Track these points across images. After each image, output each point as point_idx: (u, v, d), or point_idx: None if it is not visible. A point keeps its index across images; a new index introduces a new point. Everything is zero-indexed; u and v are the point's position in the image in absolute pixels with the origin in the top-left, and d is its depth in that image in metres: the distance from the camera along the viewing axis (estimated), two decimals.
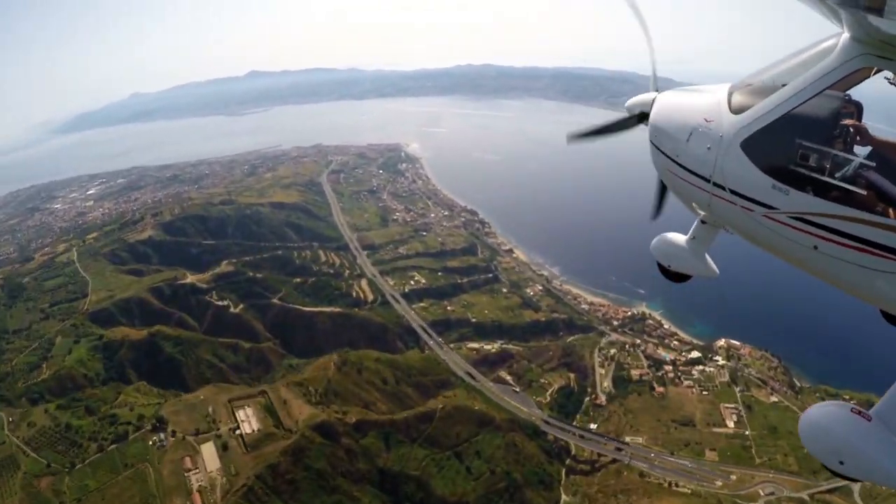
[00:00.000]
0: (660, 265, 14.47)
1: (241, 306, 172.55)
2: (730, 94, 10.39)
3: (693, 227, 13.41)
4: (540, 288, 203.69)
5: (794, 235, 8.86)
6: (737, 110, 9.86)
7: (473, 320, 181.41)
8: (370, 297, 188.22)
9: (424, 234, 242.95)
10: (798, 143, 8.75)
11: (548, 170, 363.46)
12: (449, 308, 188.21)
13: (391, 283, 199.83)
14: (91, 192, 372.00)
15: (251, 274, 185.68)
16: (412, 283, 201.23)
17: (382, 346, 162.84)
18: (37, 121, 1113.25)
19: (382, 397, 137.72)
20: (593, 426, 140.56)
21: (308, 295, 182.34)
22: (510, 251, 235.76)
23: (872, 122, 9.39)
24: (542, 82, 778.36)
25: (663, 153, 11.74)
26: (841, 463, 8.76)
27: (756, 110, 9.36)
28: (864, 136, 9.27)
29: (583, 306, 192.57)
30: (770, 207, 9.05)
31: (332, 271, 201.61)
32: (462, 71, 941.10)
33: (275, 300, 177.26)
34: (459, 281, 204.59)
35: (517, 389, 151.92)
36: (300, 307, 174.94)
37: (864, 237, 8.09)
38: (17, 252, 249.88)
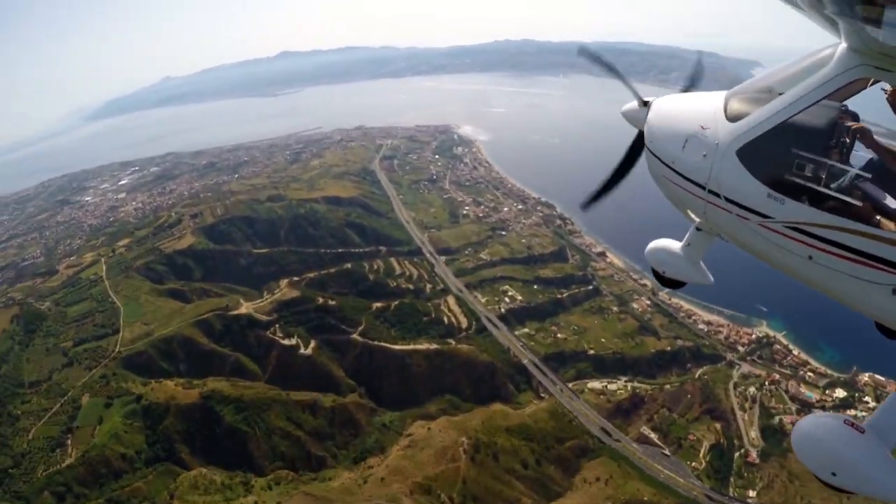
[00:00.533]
0: (654, 271, 14.14)
1: (313, 344, 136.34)
2: (726, 102, 10.21)
3: (688, 234, 13.06)
4: (647, 303, 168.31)
5: (789, 245, 8.75)
6: (733, 118, 9.70)
7: (591, 352, 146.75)
8: (463, 322, 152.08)
9: (503, 233, 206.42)
10: (794, 152, 8.65)
11: (613, 156, 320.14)
12: (559, 335, 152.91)
13: (482, 299, 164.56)
14: (123, 181, 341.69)
15: (321, 300, 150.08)
16: (507, 299, 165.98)
17: (492, 391, 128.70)
18: (69, 108, 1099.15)
19: (526, 488, 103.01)
20: (752, 495, 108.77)
21: (392, 324, 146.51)
22: (602, 254, 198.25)
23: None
24: (583, 58, 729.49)
25: (659, 159, 11.52)
26: (833, 475, 8.52)
27: (752, 119, 9.23)
28: (868, 139, 8.92)
29: (700, 326, 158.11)
30: (765, 216, 8.92)
31: (411, 287, 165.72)
32: (499, 47, 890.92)
33: (355, 336, 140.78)
34: (559, 296, 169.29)
35: (667, 452, 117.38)
36: (387, 344, 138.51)
37: (860, 248, 7.96)
38: (43, 255, 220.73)
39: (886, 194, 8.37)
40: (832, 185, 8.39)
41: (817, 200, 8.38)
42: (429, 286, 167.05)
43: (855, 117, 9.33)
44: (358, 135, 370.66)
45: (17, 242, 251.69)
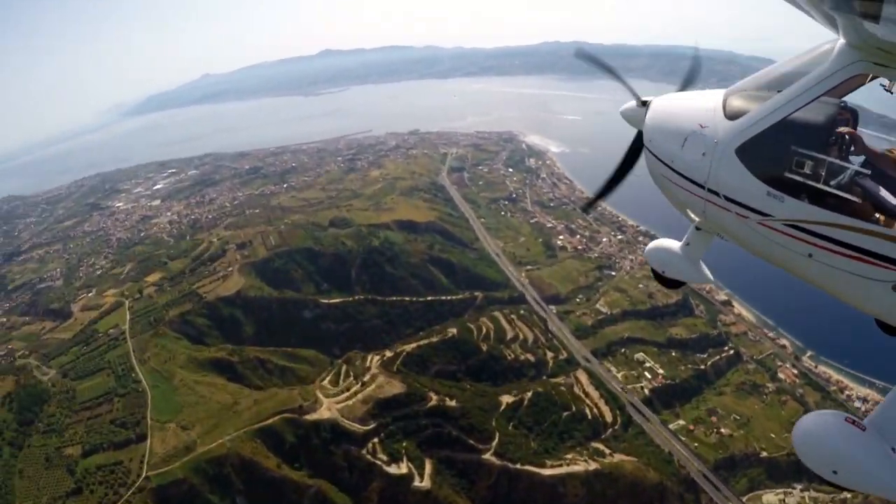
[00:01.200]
0: (654, 271, 14.01)
1: (430, 468, 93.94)
2: (725, 100, 10.06)
3: (687, 233, 12.94)
4: (794, 373, 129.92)
5: (789, 243, 8.66)
6: (732, 116, 9.57)
7: (763, 454, 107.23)
8: (608, 414, 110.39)
9: (612, 273, 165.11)
10: (793, 150, 8.52)
11: None
12: (722, 430, 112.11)
13: (617, 373, 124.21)
14: (158, 186, 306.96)
15: (433, 396, 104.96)
16: (646, 374, 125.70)
17: None
18: (109, 104, 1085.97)
19: None
20: None
21: (528, 427, 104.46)
22: (728, 304, 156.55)
23: (867, 130, 9.13)
24: (639, 61, 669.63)
25: (658, 158, 11.39)
26: (834, 472, 8.34)
27: (751, 116, 9.10)
28: (859, 146, 8.95)
29: (856, 404, 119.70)
30: (765, 215, 8.82)
31: (531, 358, 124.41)
32: (549, 49, 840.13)
33: (488, 455, 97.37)
34: (701, 367, 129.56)
35: None
36: (534, 468, 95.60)
37: (859, 245, 7.87)
38: (62, 276, 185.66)
39: (886, 191, 8.23)
40: (831, 183, 8.23)
41: (817, 198, 8.23)
42: (549, 355, 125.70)
43: (854, 113, 9.09)
44: (415, 140, 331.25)
45: (38, 254, 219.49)
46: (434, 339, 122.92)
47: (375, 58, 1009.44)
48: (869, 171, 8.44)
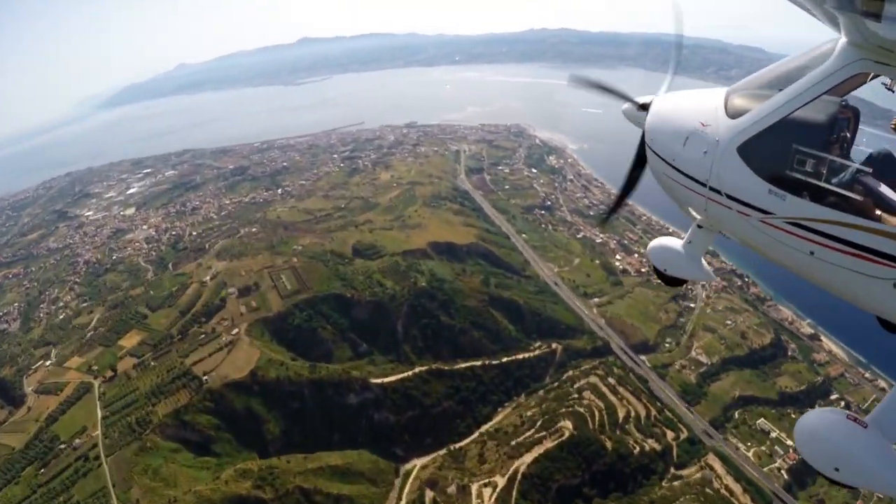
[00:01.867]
0: (656, 269, 13.66)
1: None
2: (726, 99, 9.92)
3: (689, 231, 12.61)
4: None
5: (791, 241, 8.53)
6: (733, 114, 9.44)
7: None
8: None
9: (691, 305, 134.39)
10: (795, 148, 8.39)
11: None
12: None
13: (747, 451, 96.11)
14: (132, 190, 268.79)
15: None
16: (777, 449, 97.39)
17: None
18: (82, 95, 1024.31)
19: None
20: None
21: None
22: (815, 338, 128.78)
23: (868, 128, 9.12)
24: (631, 49, 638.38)
25: (660, 157, 11.29)
26: (836, 470, 8.24)
27: (752, 115, 8.99)
28: None
29: None
30: (766, 213, 8.70)
31: (656, 446, 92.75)
32: (537, 36, 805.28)
33: None
34: None
35: None
36: None
37: (861, 243, 7.73)
38: (19, 317, 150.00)
39: (887, 189, 8.15)
40: (833, 181, 8.18)
41: (818, 196, 8.15)
42: (670, 435, 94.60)
43: (855, 112, 8.96)
44: (416, 135, 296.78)
45: None
46: (551, 446, 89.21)
47: (356, 45, 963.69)
48: (870, 169, 8.20)
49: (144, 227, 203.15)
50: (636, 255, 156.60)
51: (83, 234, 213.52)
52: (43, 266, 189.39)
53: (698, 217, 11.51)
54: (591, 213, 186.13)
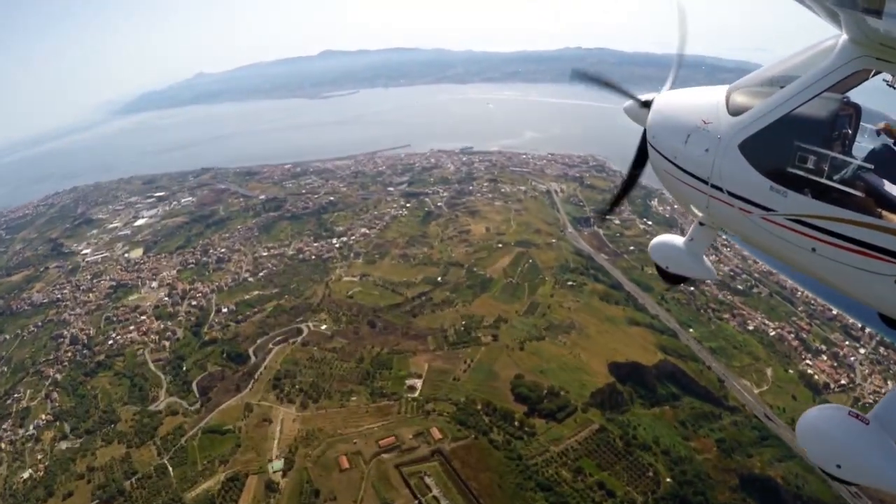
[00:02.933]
0: (658, 267, 13.65)
1: None
2: (728, 96, 9.86)
3: (691, 228, 12.74)
4: None
5: (792, 237, 8.43)
6: (735, 112, 9.38)
7: None
8: None
9: None
10: (796, 145, 8.28)
11: None
12: None
13: None
14: (141, 220, 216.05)
15: None
16: None
17: None
18: (99, 101, 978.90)
19: None
20: None
21: None
22: None
23: (869, 124, 8.88)
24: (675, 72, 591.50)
25: (662, 154, 11.21)
26: (838, 466, 8.13)
27: (754, 112, 8.91)
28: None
29: None
30: (768, 209, 8.62)
31: None
32: (572, 55, 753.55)
33: None
34: None
35: None
36: None
37: (863, 240, 7.65)
38: None
39: (888, 185, 8.08)
40: (835, 177, 8.03)
41: (820, 192, 8.02)
42: None
43: (857, 109, 8.83)
44: (481, 165, 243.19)
45: None
46: None
47: (380, 59, 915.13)
48: (871, 166, 8.10)
49: (154, 283, 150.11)
50: (823, 357, 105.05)
51: (75, 285, 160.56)
52: (20, 335, 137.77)
53: (700, 214, 11.44)
54: (741, 289, 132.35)
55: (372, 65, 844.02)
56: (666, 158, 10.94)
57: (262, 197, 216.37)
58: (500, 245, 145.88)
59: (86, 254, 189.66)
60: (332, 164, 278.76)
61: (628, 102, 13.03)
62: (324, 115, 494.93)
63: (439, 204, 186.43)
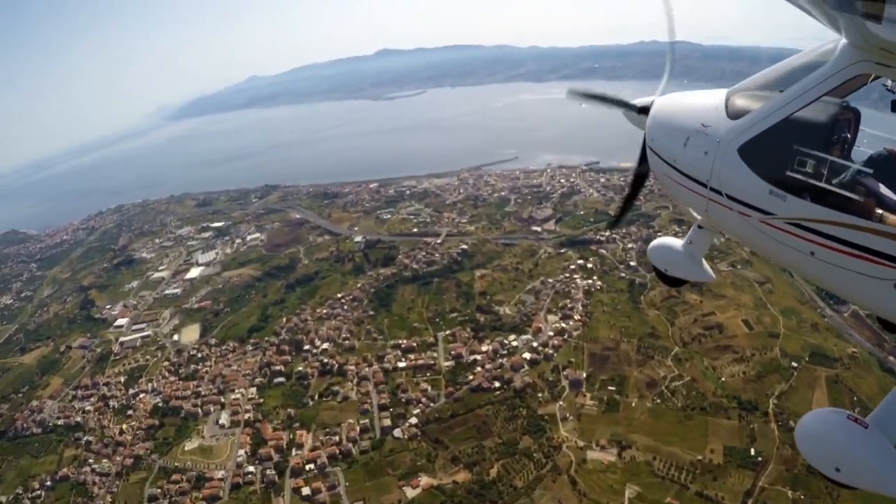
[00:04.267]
0: (656, 270, 13.52)
1: None
2: (727, 99, 9.62)
3: (690, 231, 12.52)
4: None
5: (791, 241, 8.27)
6: (734, 115, 9.17)
7: None
8: None
9: None
10: (795, 149, 8.11)
11: None
12: None
13: None
14: (196, 271, 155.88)
15: None
16: None
17: None
18: (154, 106, 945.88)
19: None
20: None
21: None
22: None
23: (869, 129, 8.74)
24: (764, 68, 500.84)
25: (661, 158, 10.93)
26: (837, 470, 7.92)
27: (753, 116, 8.72)
28: None
29: None
30: (767, 213, 8.44)
31: None
32: (649, 49, 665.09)
33: None
34: None
35: None
36: None
37: (861, 244, 7.47)
38: None
39: (888, 189, 7.92)
40: (834, 181, 7.86)
41: (819, 196, 7.86)
42: None
43: (856, 113, 8.65)
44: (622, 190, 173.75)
45: None
46: None
47: (440, 57, 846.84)
48: (871, 170, 7.99)
49: (222, 416, 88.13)
50: None
51: (103, 399, 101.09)
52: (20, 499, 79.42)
53: (699, 217, 11.22)
54: None
55: (432, 63, 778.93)
56: (665, 162, 10.51)
57: (359, 239, 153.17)
58: (786, 359, 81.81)
59: (121, 327, 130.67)
60: (430, 184, 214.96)
61: (625, 111, 12.44)
62: (393, 119, 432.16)
63: (631, 263, 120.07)
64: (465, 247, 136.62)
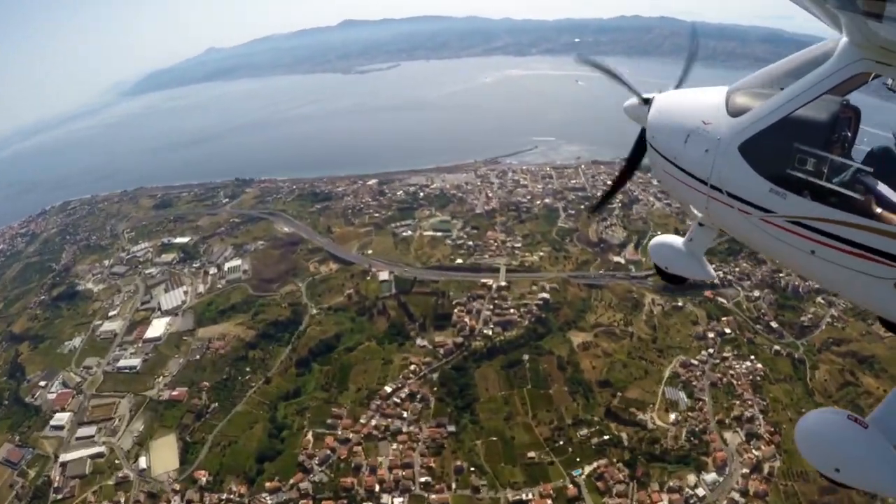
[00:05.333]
0: (657, 267, 12.99)
1: None
2: (728, 97, 9.36)
3: (690, 229, 12.09)
4: None
5: (792, 239, 8.07)
6: (735, 113, 8.92)
7: None
8: None
9: None
10: (796, 147, 7.90)
11: None
12: None
13: None
14: (161, 325, 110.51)
15: None
16: None
17: None
18: (109, 83, 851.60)
19: None
20: None
21: None
22: None
23: (868, 128, 8.48)
24: (749, 47, 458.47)
25: (661, 155, 10.51)
26: (837, 470, 7.71)
27: (754, 113, 8.49)
28: None
29: None
30: (767, 211, 8.22)
31: None
32: (633, 24, 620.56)
33: None
34: None
35: None
36: None
37: (862, 242, 7.29)
38: None
39: (888, 188, 7.76)
40: (834, 180, 7.66)
41: (819, 195, 7.66)
42: None
43: (856, 112, 8.41)
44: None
45: None
46: None
47: (409, 29, 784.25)
48: (871, 169, 7.74)
49: None
50: None
51: None
52: None
53: (699, 215, 11.00)
54: None
55: (401, 35, 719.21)
56: (665, 158, 10.16)
57: (387, 278, 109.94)
58: None
59: (61, 428, 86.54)
60: (443, 181, 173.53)
61: (629, 101, 11.76)
62: (371, 96, 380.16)
63: (772, 324, 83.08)
64: (545, 295, 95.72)
